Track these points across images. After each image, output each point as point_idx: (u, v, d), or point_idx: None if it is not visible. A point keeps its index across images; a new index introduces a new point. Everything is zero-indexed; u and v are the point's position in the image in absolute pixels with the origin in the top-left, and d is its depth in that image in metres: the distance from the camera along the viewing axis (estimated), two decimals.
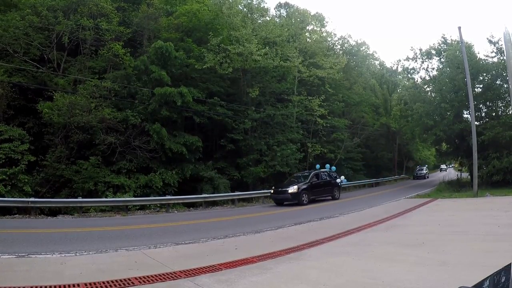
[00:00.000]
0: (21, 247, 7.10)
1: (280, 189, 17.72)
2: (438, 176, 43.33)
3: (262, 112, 24.06)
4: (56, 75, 18.06)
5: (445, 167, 62.08)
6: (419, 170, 43.33)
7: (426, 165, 48.69)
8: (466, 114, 23.47)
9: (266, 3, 48.76)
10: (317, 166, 21.59)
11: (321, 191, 18.69)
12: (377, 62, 46.10)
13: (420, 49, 26.38)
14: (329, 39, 35.10)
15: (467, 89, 18.09)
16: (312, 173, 19.08)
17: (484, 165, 20.48)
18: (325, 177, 19.46)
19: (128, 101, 19.42)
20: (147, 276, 4.97)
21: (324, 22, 35.70)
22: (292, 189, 17.07)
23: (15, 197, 13.94)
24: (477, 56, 22.77)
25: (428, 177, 41.63)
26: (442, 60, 25.08)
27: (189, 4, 23.75)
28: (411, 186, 29.80)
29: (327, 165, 22.20)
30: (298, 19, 31.33)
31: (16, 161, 14.94)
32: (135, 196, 16.45)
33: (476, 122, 19.53)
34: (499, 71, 21.00)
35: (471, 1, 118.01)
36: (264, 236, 8.87)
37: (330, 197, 19.10)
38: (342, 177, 21.70)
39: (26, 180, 14.84)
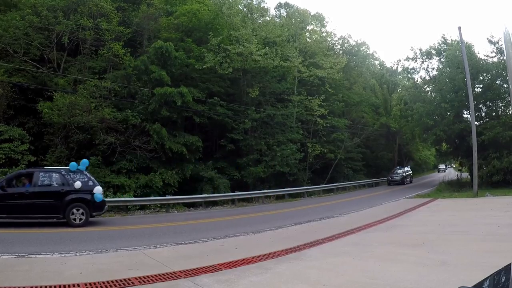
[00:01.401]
0: (21, 247, 7.10)
1: None
2: (436, 177, 40.34)
3: (262, 112, 24.06)
4: (56, 75, 18.06)
5: (444, 167, 57.31)
6: (394, 172, 32.41)
7: (409, 165, 37.72)
8: (466, 114, 23.52)
9: (266, 3, 48.89)
10: (72, 164, 11.10)
11: (27, 208, 9.91)
12: (377, 62, 46.22)
13: (420, 49, 26.46)
14: (329, 39, 35.15)
15: (467, 89, 18.11)
16: (10, 175, 10.99)
17: (484, 165, 20.50)
18: (47, 182, 10.53)
19: (128, 101, 19.42)
20: (147, 276, 4.97)
21: (324, 22, 35.81)
22: None
23: None
24: (477, 56, 22.81)
25: (410, 182, 32.29)
26: (442, 60, 25.13)
27: (189, 4, 23.74)
28: (411, 186, 29.79)
29: (73, 163, 11.25)
30: (298, 19, 31.37)
31: (16, 161, 14.93)
32: (135, 196, 16.43)
33: (476, 122, 19.55)
34: (499, 71, 21.03)
35: (471, 1, 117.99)
36: (264, 236, 8.87)
37: (55, 220, 10.29)
38: (97, 188, 10.92)
39: None
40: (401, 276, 4.66)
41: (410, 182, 32.68)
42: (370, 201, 17.25)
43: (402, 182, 30.62)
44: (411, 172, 35.06)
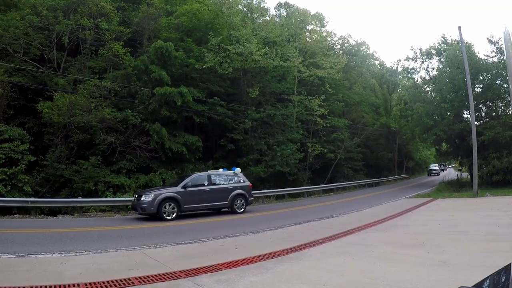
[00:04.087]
0: (21, 247, 7.10)
1: None
2: (436, 177, 37.72)
3: (262, 112, 24.05)
4: (56, 75, 18.05)
5: (437, 169, 47.31)
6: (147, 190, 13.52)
7: (235, 168, 15.53)
8: (466, 114, 23.51)
9: (266, 3, 48.97)
10: None
11: None
12: (377, 62, 46.18)
13: (420, 49, 26.46)
14: (329, 39, 35.14)
15: (467, 89, 18.10)
16: None
17: (484, 165, 20.50)
18: None
19: (128, 101, 19.42)
20: (147, 276, 4.97)
21: (324, 22, 35.85)
22: None
23: (15, 197, 13.93)
24: (477, 56, 22.79)
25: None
26: (442, 60, 25.13)
27: (189, 4, 23.73)
28: (411, 186, 29.80)
29: None
30: (298, 19, 31.35)
31: (16, 161, 14.93)
32: None
33: (476, 122, 19.54)
34: (499, 71, 21.02)
35: (471, 1, 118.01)
36: (264, 236, 8.86)
37: None
38: None
39: (26, 180, 14.83)
40: (401, 276, 4.66)
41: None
42: (370, 201, 17.23)
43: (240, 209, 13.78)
44: (241, 183, 14.46)
